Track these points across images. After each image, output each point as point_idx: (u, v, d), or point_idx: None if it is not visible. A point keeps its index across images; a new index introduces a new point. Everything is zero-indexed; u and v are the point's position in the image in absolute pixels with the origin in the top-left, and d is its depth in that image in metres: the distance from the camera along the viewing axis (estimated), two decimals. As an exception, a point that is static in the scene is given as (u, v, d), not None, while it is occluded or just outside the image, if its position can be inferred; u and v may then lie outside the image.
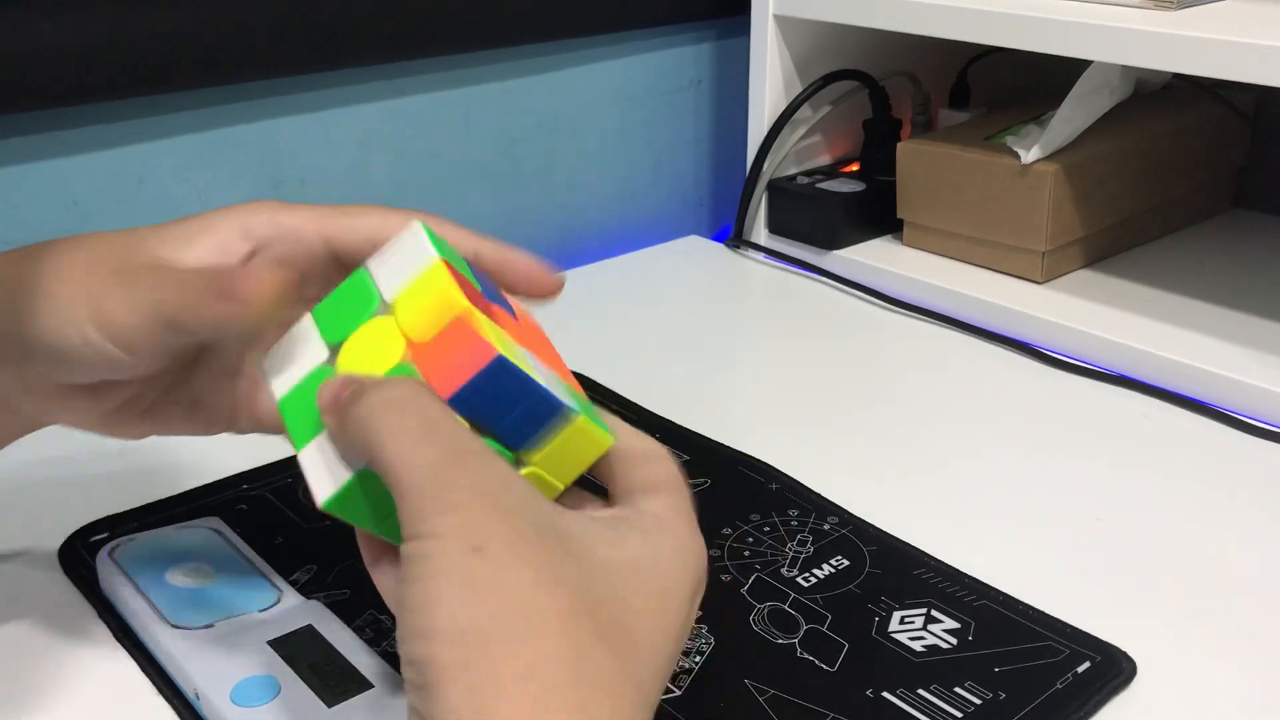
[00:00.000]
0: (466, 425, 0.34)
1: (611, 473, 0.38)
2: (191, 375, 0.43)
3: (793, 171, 0.90)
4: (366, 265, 0.39)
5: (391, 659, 0.43)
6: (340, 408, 0.34)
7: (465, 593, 0.30)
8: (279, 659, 0.43)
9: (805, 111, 0.87)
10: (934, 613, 0.49)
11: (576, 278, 0.86)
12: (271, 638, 0.45)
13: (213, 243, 0.39)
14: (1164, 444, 0.63)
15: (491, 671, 0.29)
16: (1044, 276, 0.79)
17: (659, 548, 0.35)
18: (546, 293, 0.42)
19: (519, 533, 0.31)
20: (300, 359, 0.38)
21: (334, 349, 0.37)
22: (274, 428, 0.43)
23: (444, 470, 0.32)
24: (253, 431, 0.44)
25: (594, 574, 0.32)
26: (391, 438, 0.32)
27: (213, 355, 0.43)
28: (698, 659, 0.46)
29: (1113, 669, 0.45)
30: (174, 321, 0.37)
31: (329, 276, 0.41)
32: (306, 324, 0.39)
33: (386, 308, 0.37)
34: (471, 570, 0.30)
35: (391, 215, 0.41)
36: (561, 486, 0.37)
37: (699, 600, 0.36)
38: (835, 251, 0.85)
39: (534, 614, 0.30)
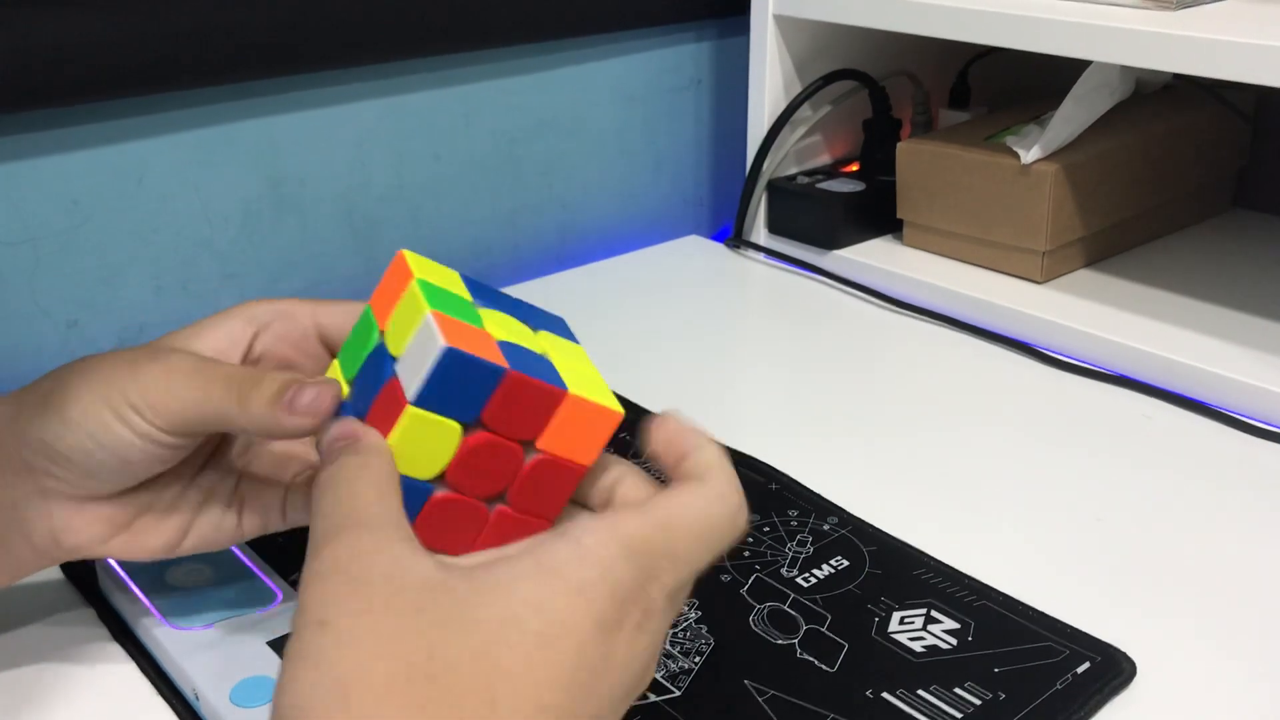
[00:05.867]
0: (396, 495, 0.35)
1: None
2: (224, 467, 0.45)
3: (793, 171, 0.90)
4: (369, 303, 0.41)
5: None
6: (323, 461, 0.36)
7: (303, 669, 0.30)
8: (279, 659, 0.43)
9: (805, 111, 0.87)
10: (934, 613, 0.49)
11: (576, 278, 0.86)
12: (271, 638, 0.45)
13: (221, 333, 0.43)
14: (1164, 444, 0.63)
15: None
16: (1044, 276, 0.79)
17: (552, 591, 0.33)
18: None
19: (367, 604, 0.31)
20: None
21: (350, 383, 0.39)
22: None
23: (317, 545, 0.33)
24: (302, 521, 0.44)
25: (457, 636, 0.31)
26: (313, 513, 0.34)
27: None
28: (697, 659, 0.46)
29: (1112, 669, 0.45)
30: (222, 419, 0.39)
31: (318, 354, 0.45)
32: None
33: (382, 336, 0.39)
34: (315, 645, 0.30)
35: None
36: (584, 463, 0.38)
37: (625, 632, 0.33)
38: (835, 251, 0.85)
39: (355, 685, 0.29)
